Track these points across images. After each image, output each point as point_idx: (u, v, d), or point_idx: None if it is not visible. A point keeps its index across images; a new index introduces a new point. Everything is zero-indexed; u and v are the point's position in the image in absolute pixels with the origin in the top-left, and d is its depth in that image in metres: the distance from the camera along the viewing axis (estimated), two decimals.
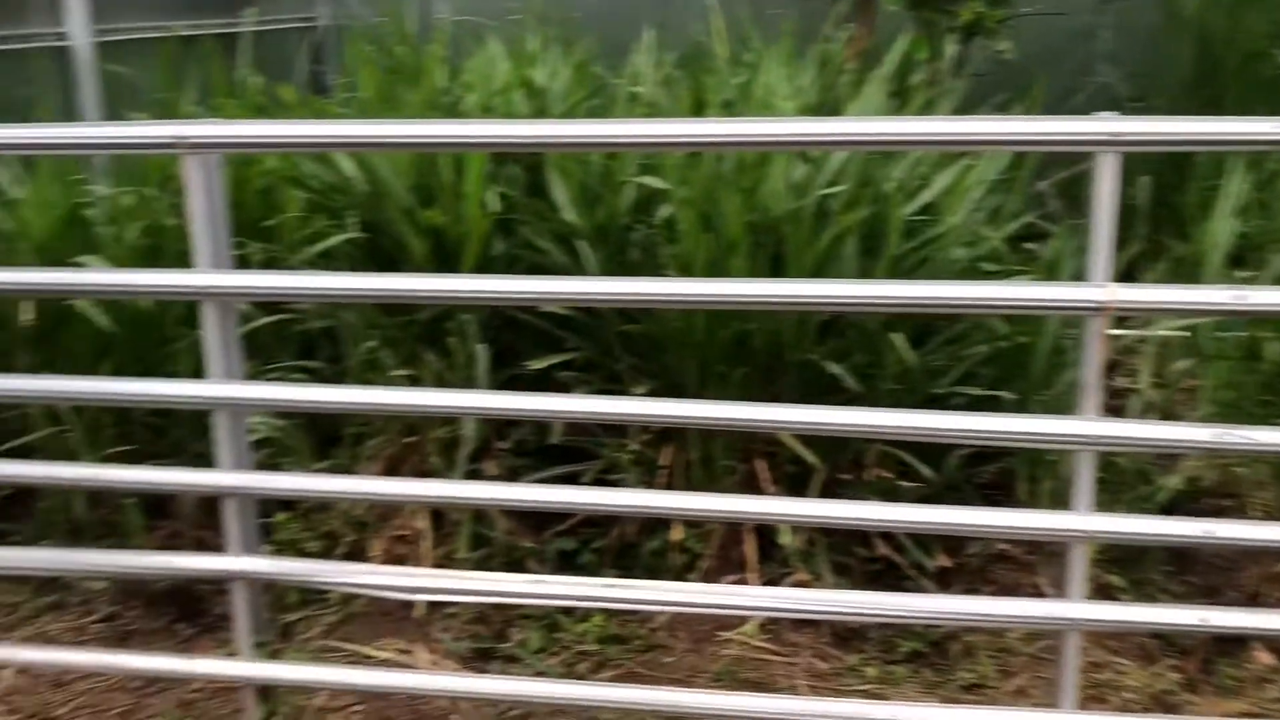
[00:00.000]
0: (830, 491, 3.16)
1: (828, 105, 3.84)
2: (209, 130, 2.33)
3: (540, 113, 3.65)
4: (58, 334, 3.36)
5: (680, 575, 3.21)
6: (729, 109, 3.63)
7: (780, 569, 3.19)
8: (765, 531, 3.24)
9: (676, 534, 3.22)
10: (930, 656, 3.04)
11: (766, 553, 3.24)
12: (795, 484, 3.22)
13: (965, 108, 4.27)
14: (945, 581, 3.26)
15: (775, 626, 3.14)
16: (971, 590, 3.20)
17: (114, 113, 5.56)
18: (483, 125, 2.43)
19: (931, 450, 3.16)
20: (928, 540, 3.24)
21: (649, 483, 3.24)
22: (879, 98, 3.56)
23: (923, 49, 4.62)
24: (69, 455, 3.24)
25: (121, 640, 3.11)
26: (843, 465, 3.23)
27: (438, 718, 2.82)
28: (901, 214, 3.09)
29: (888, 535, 3.24)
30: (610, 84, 4.08)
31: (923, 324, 3.18)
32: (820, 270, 3.08)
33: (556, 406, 2.53)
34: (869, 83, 3.64)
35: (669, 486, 3.21)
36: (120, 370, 3.30)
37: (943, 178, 3.30)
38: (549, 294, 2.57)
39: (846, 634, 3.13)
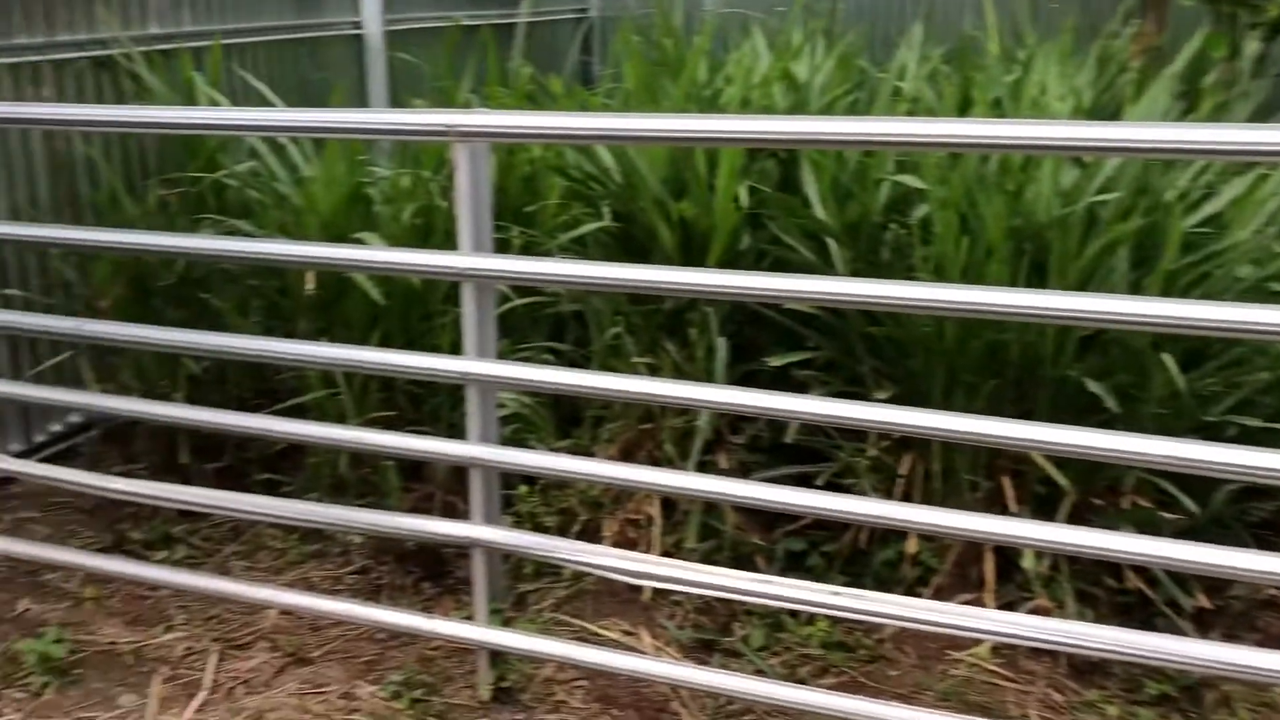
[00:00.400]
0: (1081, 516, 2.99)
1: (1106, 106, 3.61)
2: (478, 120, 2.44)
3: (799, 107, 3.62)
4: (336, 304, 3.61)
5: (911, 588, 3.12)
6: (997, 108, 3.47)
7: (1019, 592, 3.05)
8: (1006, 552, 3.10)
9: (911, 546, 3.13)
10: (1180, 702, 2.83)
11: (1006, 573, 3.10)
12: (1043, 505, 3.06)
13: (1264, 112, 3.92)
14: (1203, 623, 3.02)
15: (1010, 651, 3.00)
16: (1233, 636, 2.95)
17: (398, 97, 5.94)
18: (735, 121, 2.43)
19: (1198, 482, 2.93)
20: (1186, 578, 3.01)
21: (886, 490, 3.16)
22: (1165, 99, 3.31)
23: (1219, 46, 4.27)
24: (338, 417, 3.49)
25: (372, 593, 3.32)
26: (1097, 490, 3.04)
27: (657, 702, 2.87)
28: (1182, 226, 2.87)
29: (1141, 568, 3.03)
30: (873, 78, 3.99)
31: (1197, 345, 2.94)
32: (1086, 282, 2.91)
33: (795, 407, 2.49)
34: (1155, 83, 3.40)
35: (906, 496, 3.12)
36: (387, 340, 3.52)
37: (1231, 188, 3.04)
38: (795, 293, 2.54)
39: (1087, 667, 2.96)
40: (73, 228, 3.69)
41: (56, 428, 4.12)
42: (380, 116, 2.65)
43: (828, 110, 3.55)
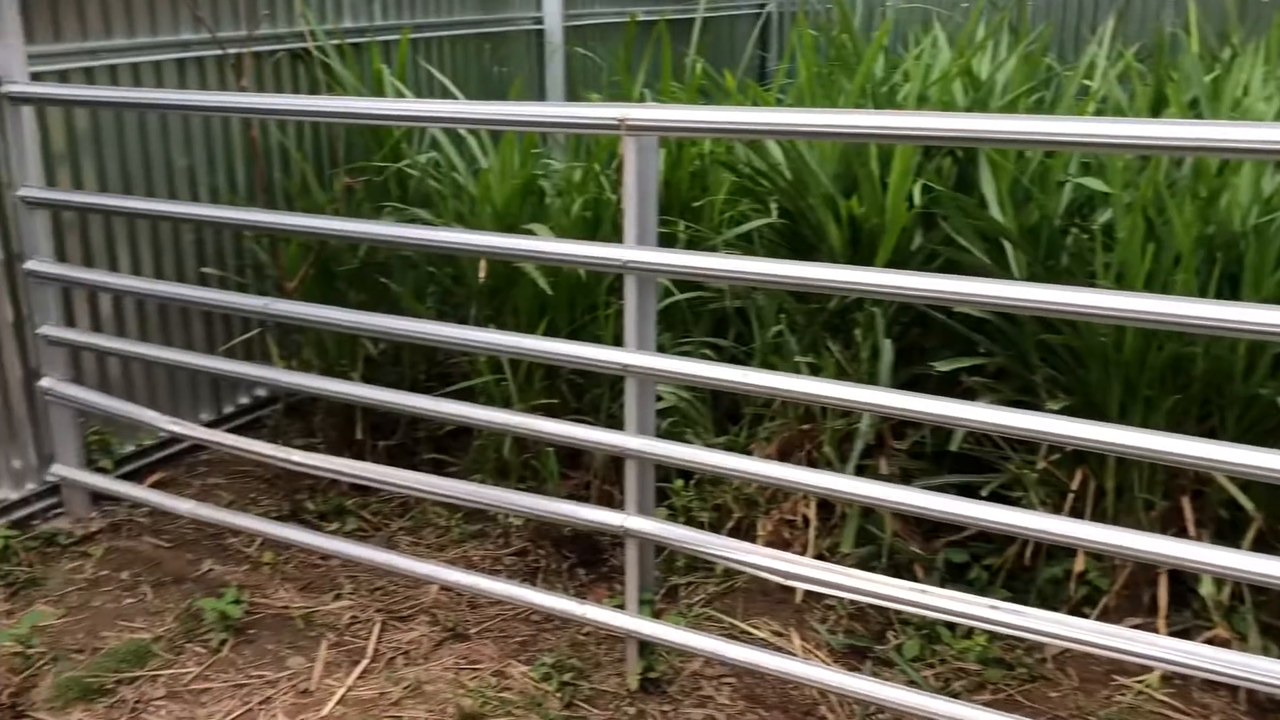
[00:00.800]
0: (1268, 544, 2.80)
1: None
2: (647, 114, 2.45)
3: (980, 105, 3.51)
4: (507, 292, 3.71)
5: (1077, 608, 2.99)
6: (1193, 109, 3.29)
7: (1195, 620, 2.89)
8: (1182, 577, 2.94)
9: (1079, 565, 3.00)
10: None
11: (1181, 600, 2.94)
12: (1225, 530, 2.89)
13: None
14: None
15: (1183, 682, 2.84)
16: None
17: (575, 91, 6.04)
18: (907, 117, 2.36)
19: None
20: None
21: (1055, 505, 3.04)
22: None
23: None
24: (504, 402, 3.58)
25: (529, 575, 3.40)
26: None
27: (805, 705, 2.83)
28: None
29: None
30: (1060, 76, 3.83)
31: None
32: None
33: (964, 414, 2.41)
34: None
35: (1076, 513, 2.99)
36: (553, 330, 3.59)
37: None
38: (969, 296, 2.45)
39: (1270, 704, 2.78)
40: (266, 211, 3.89)
41: (244, 400, 4.36)
42: (554, 110, 2.70)
43: (1009, 109, 3.42)
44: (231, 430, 4.02)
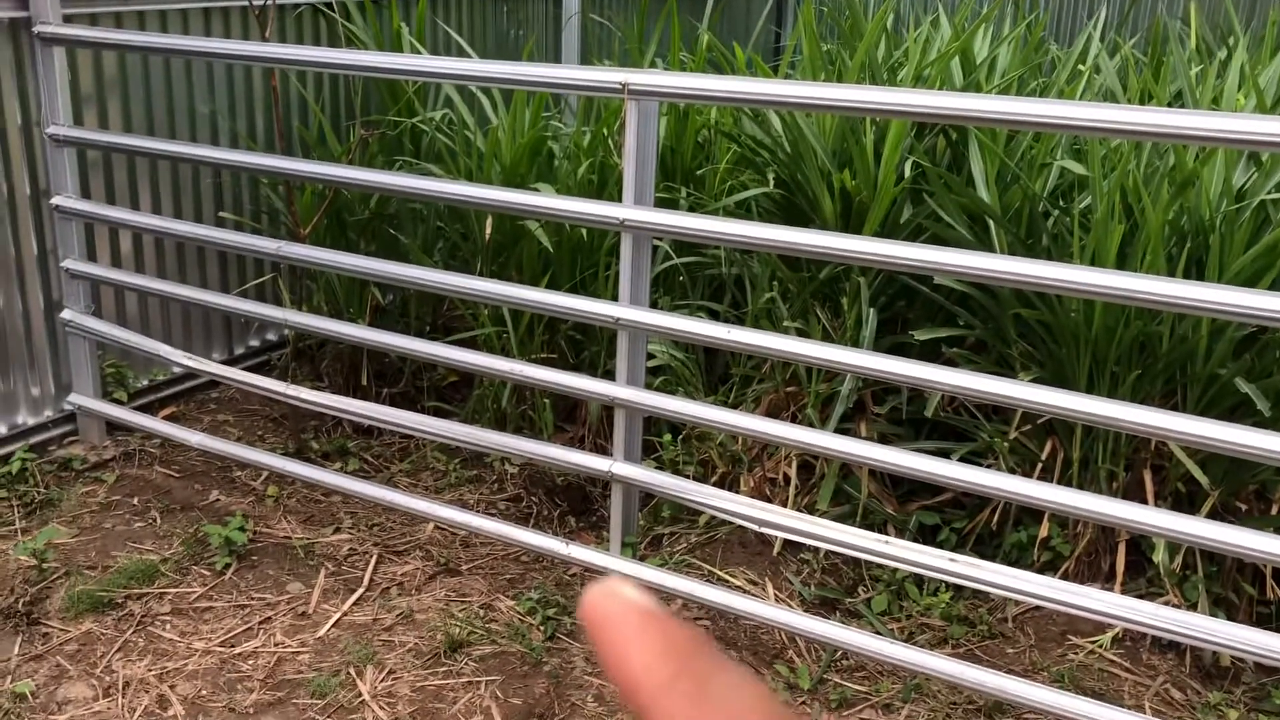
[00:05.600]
0: (1220, 518, 2.94)
1: None
2: (649, 79, 2.58)
3: (974, 86, 3.62)
4: (511, 249, 3.84)
5: (1039, 573, 3.14)
6: (1178, 100, 3.40)
7: (1149, 588, 3.03)
8: (1139, 547, 3.09)
9: (1043, 529, 3.15)
10: None
11: (1137, 569, 3.09)
12: (1183, 503, 3.03)
13: None
14: None
15: (1133, 644, 2.99)
16: None
17: (589, 57, 6.15)
18: (879, 91, 2.47)
19: None
20: None
21: (1025, 474, 3.18)
22: None
23: None
24: (504, 354, 3.72)
25: (521, 519, 3.55)
26: (1242, 494, 2.99)
27: (774, 649, 2.99)
28: None
29: None
30: (1054, 60, 3.94)
31: None
32: (1252, 280, 2.85)
33: (940, 378, 2.54)
34: None
35: (1044, 481, 3.13)
36: (554, 287, 3.72)
37: None
38: (946, 265, 2.57)
39: (1214, 670, 2.93)
40: (282, 157, 4.03)
41: (254, 343, 4.52)
42: (560, 71, 2.82)
43: (1005, 91, 3.54)
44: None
